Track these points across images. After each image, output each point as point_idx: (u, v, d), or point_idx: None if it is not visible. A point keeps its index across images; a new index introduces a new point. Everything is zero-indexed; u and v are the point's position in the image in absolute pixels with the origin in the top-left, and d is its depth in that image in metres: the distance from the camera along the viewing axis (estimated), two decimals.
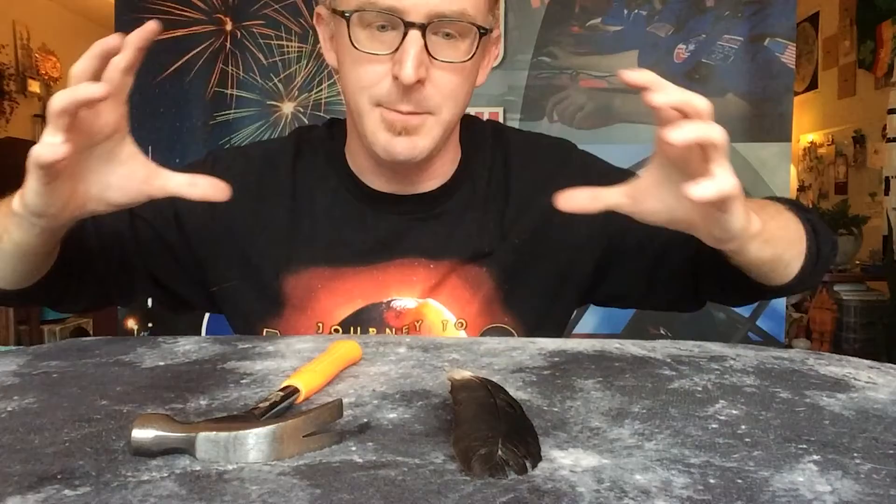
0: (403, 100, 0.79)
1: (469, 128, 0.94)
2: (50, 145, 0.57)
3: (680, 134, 0.55)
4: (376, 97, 0.80)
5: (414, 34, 0.76)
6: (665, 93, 0.56)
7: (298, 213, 0.89)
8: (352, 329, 0.88)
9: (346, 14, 0.78)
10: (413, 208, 0.89)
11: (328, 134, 0.95)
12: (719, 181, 0.56)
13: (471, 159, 0.92)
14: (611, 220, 0.73)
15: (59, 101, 0.57)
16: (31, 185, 0.61)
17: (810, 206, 4.31)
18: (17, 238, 0.68)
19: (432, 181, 0.90)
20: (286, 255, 0.88)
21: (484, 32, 0.80)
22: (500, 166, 0.93)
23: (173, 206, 0.87)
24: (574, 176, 0.87)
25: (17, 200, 0.64)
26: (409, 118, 0.80)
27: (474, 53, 0.80)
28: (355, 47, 0.79)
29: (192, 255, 0.90)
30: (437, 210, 0.90)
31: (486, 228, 0.90)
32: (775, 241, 0.71)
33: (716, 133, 0.56)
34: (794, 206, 0.81)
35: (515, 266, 0.89)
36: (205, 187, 0.67)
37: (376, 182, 0.90)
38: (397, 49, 0.77)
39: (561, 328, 0.95)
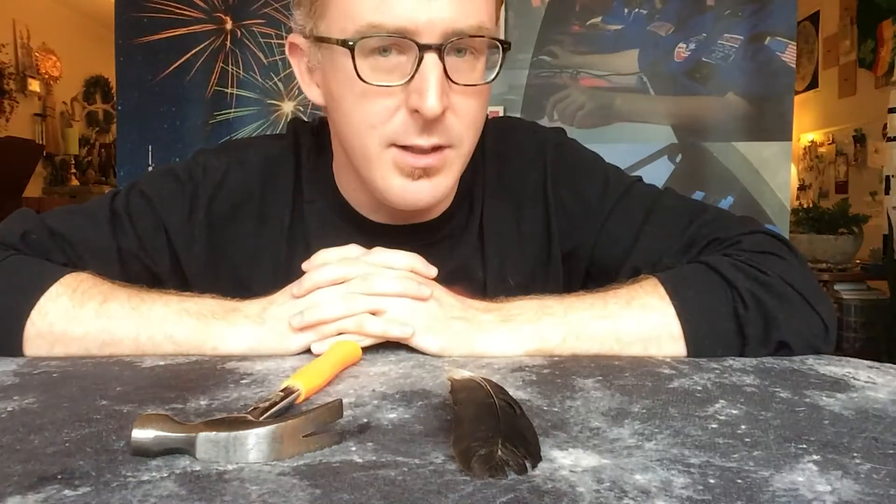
0: (424, 135, 0.70)
1: None
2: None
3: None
4: (389, 136, 0.71)
5: (431, 58, 0.66)
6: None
7: (292, 238, 0.83)
8: None
9: (350, 43, 0.68)
10: (409, 239, 0.80)
11: (317, 145, 0.85)
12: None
13: (465, 179, 0.83)
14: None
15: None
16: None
17: (810, 205, 4.31)
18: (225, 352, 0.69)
19: (434, 211, 0.83)
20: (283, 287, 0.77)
21: (508, 47, 0.72)
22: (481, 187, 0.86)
23: (167, 239, 0.82)
24: (539, 179, 0.85)
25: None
26: (430, 160, 0.71)
27: (499, 72, 0.72)
28: (363, 80, 0.68)
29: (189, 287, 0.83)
30: (434, 238, 0.84)
31: (478, 254, 0.85)
32: (583, 340, 0.69)
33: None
34: (705, 289, 0.71)
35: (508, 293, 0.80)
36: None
37: (372, 215, 0.83)
38: (412, 77, 0.67)
39: None
